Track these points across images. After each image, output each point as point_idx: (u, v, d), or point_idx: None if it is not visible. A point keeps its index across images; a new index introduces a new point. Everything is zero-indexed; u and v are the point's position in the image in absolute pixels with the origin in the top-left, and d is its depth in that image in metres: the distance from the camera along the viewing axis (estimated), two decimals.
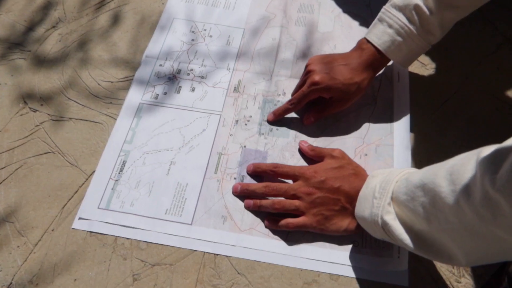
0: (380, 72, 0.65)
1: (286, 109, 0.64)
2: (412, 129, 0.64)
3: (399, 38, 0.58)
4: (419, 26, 0.57)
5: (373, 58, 0.60)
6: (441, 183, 0.39)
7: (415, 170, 0.48)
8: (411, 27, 0.57)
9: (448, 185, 0.38)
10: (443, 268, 0.54)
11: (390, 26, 0.58)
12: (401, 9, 0.57)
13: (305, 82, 0.62)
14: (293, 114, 0.66)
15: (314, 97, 0.62)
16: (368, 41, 0.60)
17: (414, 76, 0.70)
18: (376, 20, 0.60)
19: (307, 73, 0.62)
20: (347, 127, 0.64)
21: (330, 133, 0.64)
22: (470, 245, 0.39)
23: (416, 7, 0.56)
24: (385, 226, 0.46)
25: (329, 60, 0.62)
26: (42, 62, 0.74)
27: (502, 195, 0.32)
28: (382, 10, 0.59)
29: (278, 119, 0.65)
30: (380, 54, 0.59)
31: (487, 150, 0.36)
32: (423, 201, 0.41)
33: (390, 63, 0.66)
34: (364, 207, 0.49)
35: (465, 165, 0.37)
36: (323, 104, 0.64)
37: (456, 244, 0.40)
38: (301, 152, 0.62)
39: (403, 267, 0.53)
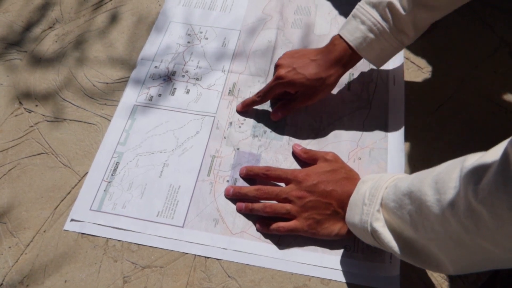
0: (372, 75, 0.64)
1: (253, 101, 0.65)
2: (407, 132, 0.64)
3: (371, 35, 0.57)
4: (392, 25, 0.56)
5: (343, 54, 0.59)
6: (427, 192, 0.38)
7: (404, 175, 0.48)
8: (383, 24, 0.56)
9: (433, 194, 0.38)
10: (435, 274, 0.54)
11: (363, 22, 0.57)
12: (374, 5, 0.56)
13: None
14: (289, 118, 0.66)
15: (279, 91, 0.62)
16: (341, 37, 0.59)
17: (409, 79, 0.69)
18: (350, 16, 0.60)
19: (276, 67, 0.64)
20: (341, 130, 0.64)
21: (324, 136, 0.64)
22: (456, 254, 0.39)
23: (390, 5, 0.55)
24: (374, 233, 0.46)
25: (299, 55, 0.62)
26: (38, 62, 0.74)
27: (484, 207, 0.32)
28: (357, 6, 0.59)
29: (245, 110, 0.66)
30: (352, 50, 0.59)
31: (471, 159, 0.35)
32: (410, 209, 0.41)
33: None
34: (354, 213, 0.49)
35: (450, 173, 0.37)
36: (288, 99, 0.64)
37: (443, 253, 0.40)
38: (295, 155, 0.62)
39: (394, 272, 0.52)
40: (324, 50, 0.61)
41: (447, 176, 0.37)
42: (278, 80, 0.61)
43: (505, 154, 0.30)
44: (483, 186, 0.32)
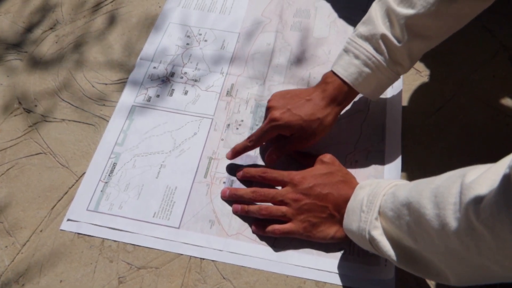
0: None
1: (245, 147, 0.60)
2: (405, 135, 0.64)
3: (367, 70, 0.54)
4: (387, 57, 0.54)
5: (338, 92, 0.56)
6: (425, 205, 0.38)
7: (402, 182, 0.48)
8: (379, 57, 0.54)
9: (432, 207, 0.37)
10: None
11: (356, 57, 0.55)
12: (367, 38, 0.54)
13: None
14: None
15: (273, 134, 0.58)
16: (334, 74, 0.56)
17: (408, 83, 0.69)
18: (341, 51, 0.57)
19: (267, 109, 0.60)
20: (338, 133, 0.64)
21: (321, 138, 0.64)
22: (457, 267, 0.38)
23: (383, 37, 0.53)
24: (372, 241, 0.46)
25: (291, 96, 0.59)
26: (38, 63, 0.75)
27: (485, 228, 0.31)
28: (347, 40, 0.57)
29: (237, 157, 0.61)
30: (347, 86, 0.56)
31: (471, 174, 0.34)
32: (409, 220, 0.41)
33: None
34: (351, 220, 0.49)
35: (449, 188, 0.36)
36: (284, 140, 0.60)
37: (443, 265, 0.40)
38: (292, 157, 0.62)
39: (389, 275, 0.52)
40: (318, 89, 0.58)
41: (446, 191, 0.36)
42: (272, 123, 0.57)
43: (506, 177, 0.29)
44: (484, 207, 0.31)
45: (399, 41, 0.53)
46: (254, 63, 0.72)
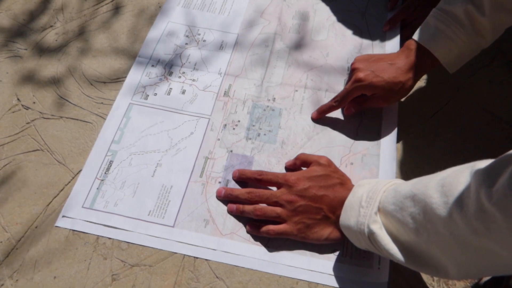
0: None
1: (331, 107, 0.64)
2: (400, 139, 0.64)
3: (449, 40, 0.57)
4: (471, 28, 0.56)
5: (420, 59, 0.59)
6: (432, 195, 0.39)
7: (402, 181, 0.48)
8: (462, 28, 0.56)
9: (440, 196, 0.38)
10: (424, 279, 0.54)
11: (439, 27, 0.57)
12: (451, 11, 0.57)
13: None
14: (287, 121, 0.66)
15: (357, 94, 0.62)
16: (417, 42, 0.60)
17: None
18: (425, 22, 0.60)
19: (352, 71, 0.63)
20: (334, 135, 0.64)
21: (317, 140, 0.64)
22: (460, 258, 0.39)
23: (468, 9, 0.55)
24: (371, 235, 0.46)
25: (374, 59, 0.62)
26: (37, 60, 0.75)
27: (498, 209, 0.32)
28: (431, 13, 0.59)
29: (322, 117, 0.65)
30: (429, 55, 0.59)
31: (482, 163, 0.36)
32: (413, 211, 0.41)
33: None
34: (350, 215, 0.49)
35: (458, 177, 0.37)
36: (365, 97, 0.63)
37: (446, 257, 0.40)
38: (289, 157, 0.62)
39: (383, 278, 0.52)
40: (401, 54, 0.61)
41: (454, 180, 0.37)
42: (357, 83, 0.60)
43: None
44: (497, 189, 0.32)
45: (483, 14, 0.55)
46: (252, 64, 0.73)
